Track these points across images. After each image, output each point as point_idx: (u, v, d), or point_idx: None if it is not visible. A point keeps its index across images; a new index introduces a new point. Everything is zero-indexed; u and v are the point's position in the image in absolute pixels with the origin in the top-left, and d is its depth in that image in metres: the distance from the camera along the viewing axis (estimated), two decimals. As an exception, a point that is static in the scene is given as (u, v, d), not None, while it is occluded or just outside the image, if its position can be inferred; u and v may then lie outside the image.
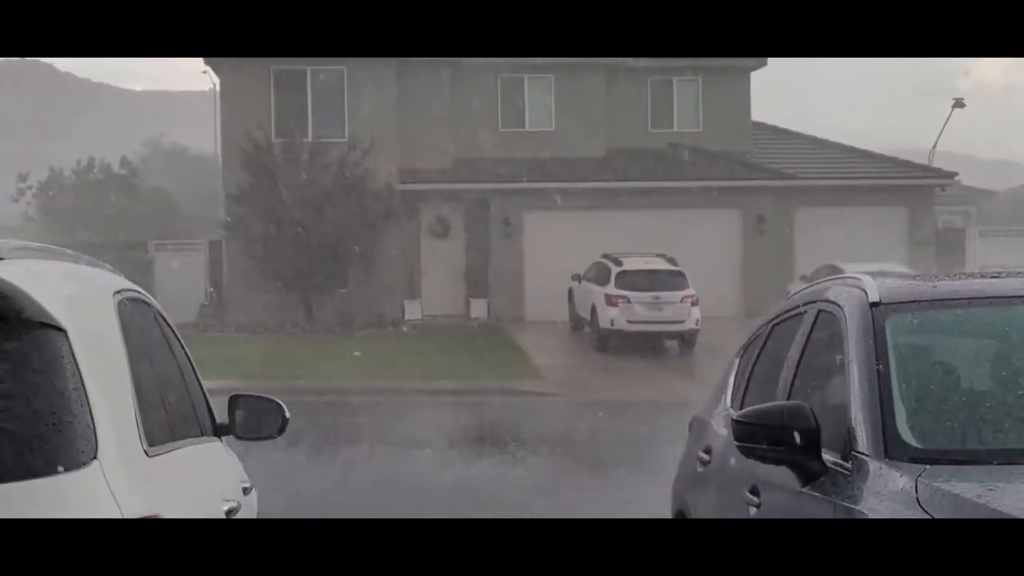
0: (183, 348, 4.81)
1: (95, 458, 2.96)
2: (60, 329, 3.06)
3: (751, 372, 5.71)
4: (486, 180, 30.74)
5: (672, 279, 25.17)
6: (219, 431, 5.04)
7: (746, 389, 5.68)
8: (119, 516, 2.91)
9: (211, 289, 31.49)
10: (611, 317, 24.69)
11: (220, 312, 30.24)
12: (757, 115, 34.82)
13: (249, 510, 5.03)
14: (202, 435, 4.67)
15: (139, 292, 4.24)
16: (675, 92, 33.64)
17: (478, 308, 31.06)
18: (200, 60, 34.47)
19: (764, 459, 4.21)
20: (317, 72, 30.38)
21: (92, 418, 3.01)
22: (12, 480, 2.83)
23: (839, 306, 4.52)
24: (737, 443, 4.22)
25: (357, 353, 24.16)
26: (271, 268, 28.99)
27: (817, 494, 3.96)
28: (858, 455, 3.85)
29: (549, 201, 30.12)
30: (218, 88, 33.60)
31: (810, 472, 4.04)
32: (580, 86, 32.33)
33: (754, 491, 4.68)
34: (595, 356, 24.90)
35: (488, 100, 32.02)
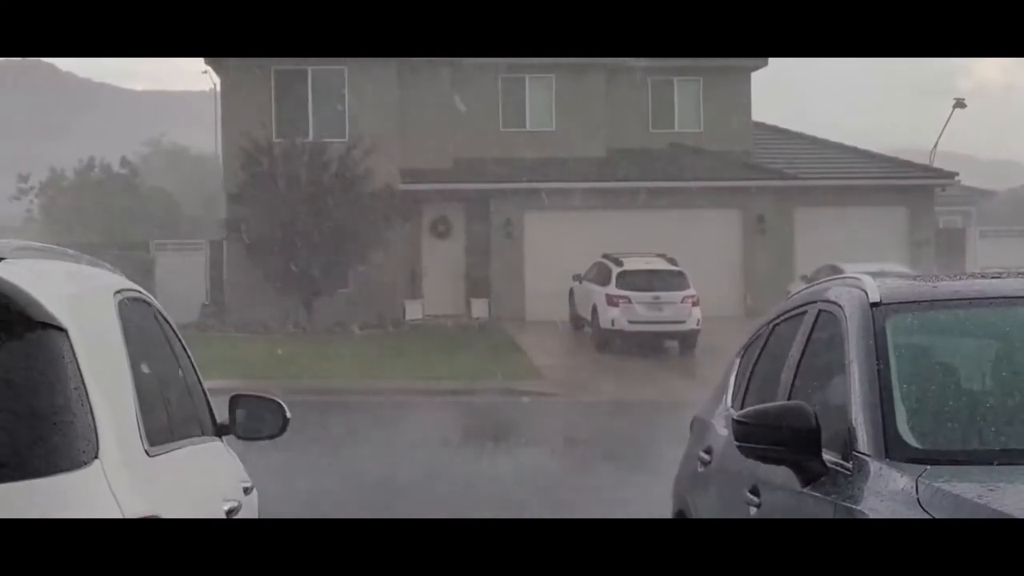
0: (184, 348, 4.81)
1: (96, 458, 2.96)
2: (61, 329, 3.06)
3: (752, 372, 5.71)
4: (487, 180, 30.74)
5: (673, 279, 25.16)
6: (220, 431, 5.04)
7: (747, 389, 5.68)
8: (120, 516, 2.91)
9: (211, 288, 31.50)
10: (612, 317, 24.68)
11: (221, 312, 30.25)
12: (757, 115, 34.83)
13: (250, 510, 5.03)
14: (203, 435, 4.67)
15: (140, 292, 4.24)
16: (676, 92, 33.64)
17: (479, 308, 31.05)
18: (200, 60, 34.52)
19: (764, 459, 4.21)
20: (318, 72, 30.38)
21: (93, 418, 3.01)
22: (13, 480, 2.83)
23: (840, 306, 4.52)
24: (737, 443, 4.22)
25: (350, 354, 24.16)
26: (272, 268, 28.95)
27: (818, 494, 3.95)
28: (858, 455, 3.85)
29: (550, 201, 30.12)
30: (218, 88, 33.62)
31: (810, 472, 4.03)
32: (581, 86, 32.33)
33: (754, 491, 4.68)
34: (596, 356, 24.90)
35: (489, 100, 32.02)
